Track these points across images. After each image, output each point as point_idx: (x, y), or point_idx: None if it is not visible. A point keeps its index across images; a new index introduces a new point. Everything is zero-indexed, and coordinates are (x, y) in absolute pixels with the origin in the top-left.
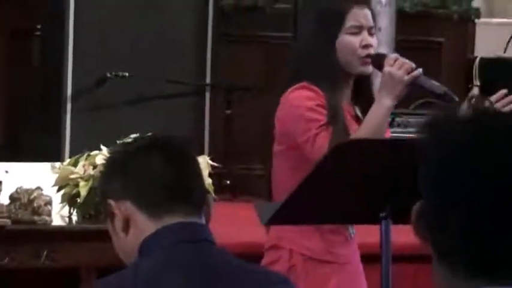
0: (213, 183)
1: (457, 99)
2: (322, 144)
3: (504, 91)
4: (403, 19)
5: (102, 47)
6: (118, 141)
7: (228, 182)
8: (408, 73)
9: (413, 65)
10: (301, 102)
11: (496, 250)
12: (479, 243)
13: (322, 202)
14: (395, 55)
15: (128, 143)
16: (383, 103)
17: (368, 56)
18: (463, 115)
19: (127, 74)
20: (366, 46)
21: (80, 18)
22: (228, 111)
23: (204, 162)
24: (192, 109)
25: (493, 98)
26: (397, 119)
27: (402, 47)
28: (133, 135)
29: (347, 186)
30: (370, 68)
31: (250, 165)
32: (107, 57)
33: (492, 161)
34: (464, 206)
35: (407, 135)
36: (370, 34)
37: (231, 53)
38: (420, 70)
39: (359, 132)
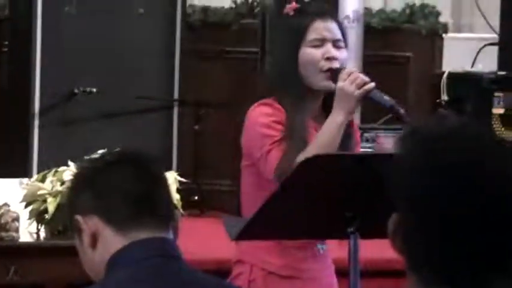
0: (181, 199)
1: (403, 112)
2: (272, 160)
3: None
4: (370, 34)
5: (69, 62)
6: (86, 157)
7: (196, 197)
8: (360, 87)
9: (367, 79)
10: (258, 118)
11: (472, 261)
12: (456, 253)
13: (290, 217)
14: (350, 69)
15: (96, 158)
16: (335, 118)
17: (329, 70)
18: (442, 126)
19: (95, 90)
20: (329, 58)
21: (47, 34)
22: (196, 127)
23: (172, 177)
24: (161, 125)
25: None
26: (366, 134)
27: (370, 61)
28: (101, 151)
29: (315, 201)
30: (333, 84)
31: (218, 181)
32: (74, 73)
33: (477, 171)
34: (447, 216)
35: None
36: (336, 47)
37: (199, 68)
38: (372, 84)
39: (310, 147)
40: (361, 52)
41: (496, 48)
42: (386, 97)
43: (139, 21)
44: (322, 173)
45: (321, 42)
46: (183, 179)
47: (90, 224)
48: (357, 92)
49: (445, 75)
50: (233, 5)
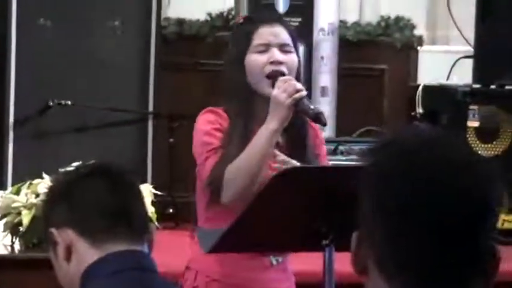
0: (156, 212)
1: (326, 122)
2: (208, 168)
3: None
4: (346, 47)
5: (44, 75)
6: (60, 170)
7: (171, 210)
8: (291, 96)
9: (299, 87)
10: (201, 125)
11: (458, 266)
12: (443, 259)
13: (265, 230)
14: (286, 77)
15: (70, 171)
16: (268, 126)
17: (269, 74)
18: (417, 137)
19: (69, 102)
20: (274, 63)
21: (21, 46)
22: (171, 140)
23: (147, 190)
24: (135, 137)
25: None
26: (340, 147)
27: (345, 74)
28: (75, 164)
29: (289, 214)
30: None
31: (193, 194)
32: (49, 85)
33: (455, 180)
34: (431, 222)
35: (351, 162)
36: (283, 51)
37: (174, 81)
38: (303, 93)
39: (242, 155)
40: (336, 65)
41: (471, 61)
42: (311, 107)
43: (114, 34)
44: (296, 186)
45: (266, 47)
46: (158, 192)
47: (64, 236)
48: (288, 101)
49: (420, 88)
50: (208, 18)
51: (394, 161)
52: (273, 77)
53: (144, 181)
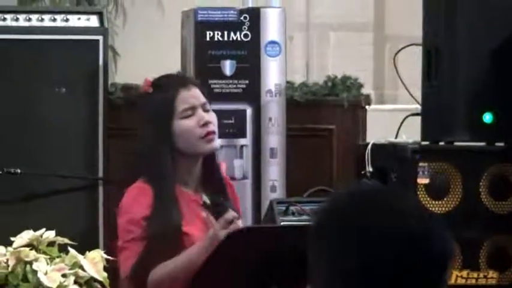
0: (109, 277)
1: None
2: (123, 261)
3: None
4: (293, 108)
5: None
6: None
7: None
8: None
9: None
10: (127, 208)
11: None
12: None
13: None
14: (230, 216)
15: None
16: (198, 257)
17: (209, 133)
18: (356, 198)
19: (19, 171)
20: (205, 124)
21: None
22: None
23: (99, 256)
24: (86, 203)
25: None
26: (291, 208)
27: (293, 135)
28: (25, 233)
29: (239, 274)
30: (216, 144)
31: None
32: None
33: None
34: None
35: (302, 223)
36: (205, 110)
37: (123, 146)
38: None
39: (173, 264)
40: (284, 126)
41: (419, 119)
42: None
43: (61, 100)
44: (246, 247)
45: (192, 110)
46: (110, 257)
47: None
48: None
49: (369, 147)
50: None
51: (327, 220)
52: (208, 149)
53: (96, 247)
